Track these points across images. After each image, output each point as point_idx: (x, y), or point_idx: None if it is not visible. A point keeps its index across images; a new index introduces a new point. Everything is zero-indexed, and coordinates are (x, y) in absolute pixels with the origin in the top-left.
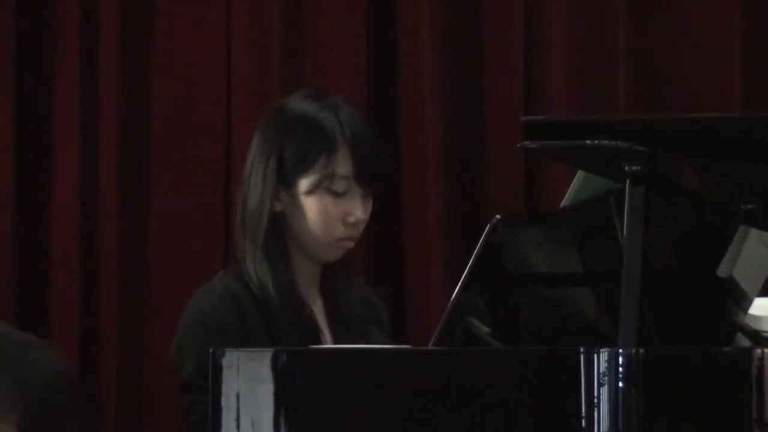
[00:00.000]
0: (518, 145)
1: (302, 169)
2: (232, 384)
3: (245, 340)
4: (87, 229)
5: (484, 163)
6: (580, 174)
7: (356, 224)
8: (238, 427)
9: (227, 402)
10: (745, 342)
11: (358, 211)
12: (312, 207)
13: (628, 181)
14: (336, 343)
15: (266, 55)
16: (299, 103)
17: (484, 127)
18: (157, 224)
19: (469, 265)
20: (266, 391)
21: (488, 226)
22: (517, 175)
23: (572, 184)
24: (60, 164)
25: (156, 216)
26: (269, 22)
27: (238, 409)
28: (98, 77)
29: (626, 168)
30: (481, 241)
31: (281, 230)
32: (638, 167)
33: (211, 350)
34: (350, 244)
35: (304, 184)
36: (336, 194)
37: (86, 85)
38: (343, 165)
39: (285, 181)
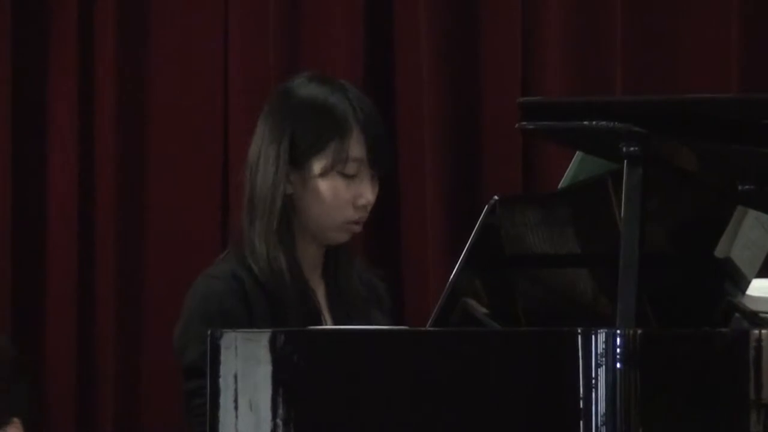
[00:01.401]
0: (516, 126)
1: (315, 152)
2: (230, 365)
3: (249, 325)
4: (84, 227)
5: (481, 148)
6: (577, 155)
7: (365, 206)
8: (236, 408)
9: (225, 383)
10: (743, 323)
11: (369, 193)
12: (324, 189)
13: (625, 162)
14: None
15: (263, 54)
16: (307, 87)
17: (482, 114)
18: (154, 222)
19: (466, 246)
20: (264, 372)
21: (486, 206)
22: (514, 160)
23: (570, 165)
24: (56, 162)
25: (153, 213)
26: (266, 21)
27: (236, 390)
28: (95, 77)
29: (624, 149)
30: (478, 222)
31: (289, 214)
32: (636, 148)
33: (209, 332)
34: (358, 228)
35: (317, 166)
36: (347, 177)
37: (83, 84)
38: (356, 148)
39: (297, 163)
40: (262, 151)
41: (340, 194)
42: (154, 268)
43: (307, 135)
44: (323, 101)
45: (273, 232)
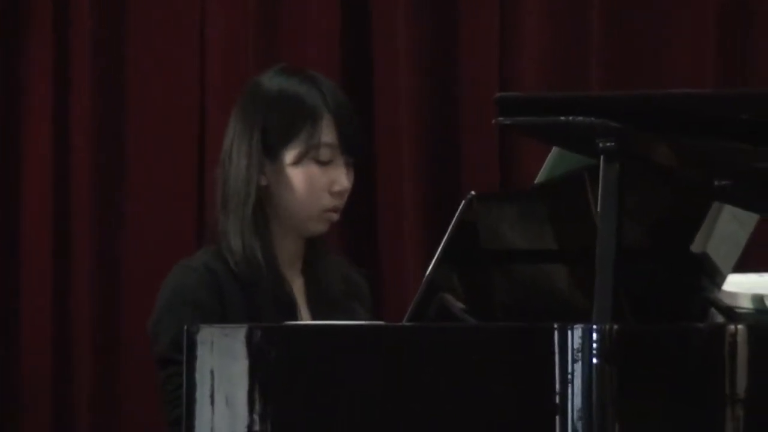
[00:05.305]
0: (492, 122)
1: (287, 140)
2: (206, 360)
3: (222, 316)
4: (59, 224)
5: (458, 144)
6: (554, 150)
7: (341, 193)
8: (212, 403)
9: (201, 378)
10: (719, 318)
11: (344, 179)
12: (298, 177)
13: (602, 157)
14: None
15: (241, 53)
16: (277, 78)
17: (459, 110)
18: (131, 218)
19: (443, 242)
20: (240, 367)
21: (463, 202)
22: (491, 156)
23: (546, 160)
24: (32, 160)
25: (129, 209)
26: (245, 22)
27: (212, 386)
28: (71, 72)
29: (600, 144)
30: (455, 217)
31: (265, 206)
32: (612, 144)
33: (185, 327)
34: (335, 216)
35: (290, 155)
36: (321, 164)
37: (59, 79)
38: (327, 133)
39: (270, 153)
40: (234, 144)
41: (315, 181)
42: (130, 264)
43: (278, 124)
44: (292, 90)
45: (247, 224)
